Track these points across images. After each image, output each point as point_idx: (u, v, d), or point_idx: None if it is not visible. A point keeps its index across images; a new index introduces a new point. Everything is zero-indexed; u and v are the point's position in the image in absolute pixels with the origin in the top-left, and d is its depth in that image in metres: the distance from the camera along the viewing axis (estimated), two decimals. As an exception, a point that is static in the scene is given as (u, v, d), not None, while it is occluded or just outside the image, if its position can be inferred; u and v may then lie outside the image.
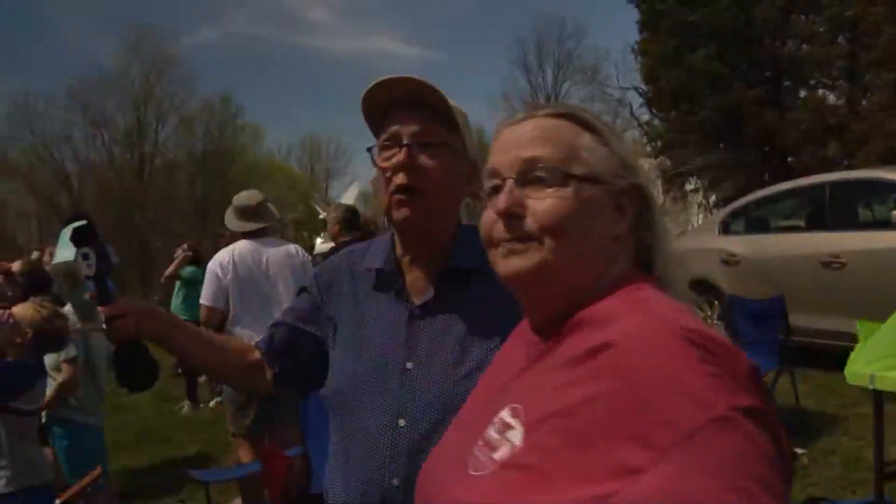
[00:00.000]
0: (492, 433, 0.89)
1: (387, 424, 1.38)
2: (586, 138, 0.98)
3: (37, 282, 4.37)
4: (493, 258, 1.00)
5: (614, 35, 54.69)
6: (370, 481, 1.37)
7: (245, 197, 4.72)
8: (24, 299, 3.74)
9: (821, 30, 21.44)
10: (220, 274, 4.35)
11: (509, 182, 0.97)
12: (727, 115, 21.32)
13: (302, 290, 1.71)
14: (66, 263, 1.40)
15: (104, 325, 1.45)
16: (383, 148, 1.45)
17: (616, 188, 0.96)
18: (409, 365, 1.42)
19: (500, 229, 0.97)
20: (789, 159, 22.21)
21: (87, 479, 2.61)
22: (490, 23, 63.87)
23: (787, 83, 22.71)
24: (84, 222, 1.45)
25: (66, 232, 1.43)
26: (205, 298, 4.37)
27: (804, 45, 21.89)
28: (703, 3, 21.75)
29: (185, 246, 9.37)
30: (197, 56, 53.05)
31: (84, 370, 3.99)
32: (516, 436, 0.84)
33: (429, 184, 1.42)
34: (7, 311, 3.23)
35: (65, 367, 3.89)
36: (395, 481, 1.35)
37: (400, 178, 1.41)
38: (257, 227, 4.58)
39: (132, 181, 32.65)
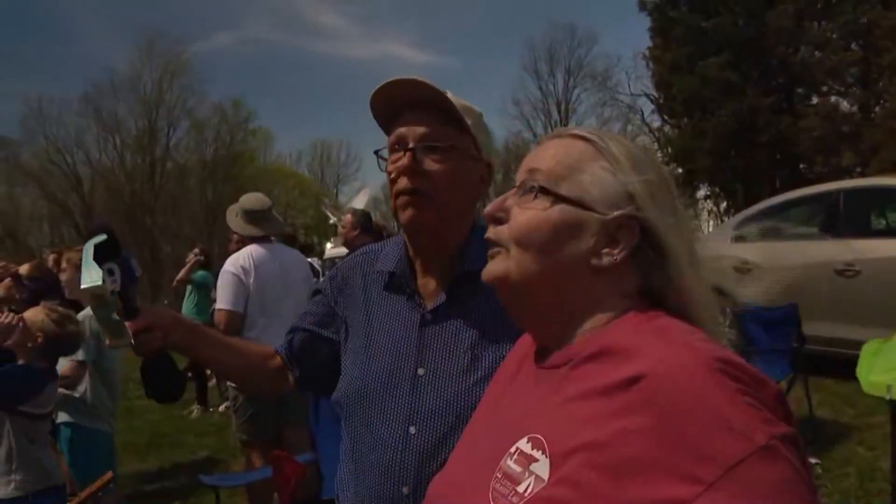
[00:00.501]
0: (511, 465, 0.87)
1: (397, 432, 1.37)
2: (596, 164, 0.96)
3: (46, 286, 4.37)
4: None
5: (625, 42, 54.86)
6: (380, 489, 1.36)
7: (254, 200, 4.66)
8: (33, 303, 3.73)
9: (834, 36, 21.37)
10: (242, 277, 4.28)
11: (513, 189, 1.00)
12: (739, 122, 21.27)
13: (316, 292, 1.70)
14: (94, 287, 1.36)
15: (132, 341, 1.42)
16: (391, 150, 1.44)
17: (607, 218, 0.92)
18: (419, 371, 1.40)
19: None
20: (801, 166, 22.13)
21: (97, 484, 2.60)
22: (502, 29, 63.97)
23: (799, 90, 22.65)
24: (104, 236, 1.42)
25: (89, 249, 1.40)
26: (225, 302, 4.28)
27: (817, 52, 21.82)
28: (715, 10, 21.73)
29: (196, 250, 9.38)
30: (210, 61, 53.40)
31: (96, 376, 3.98)
32: (542, 469, 0.82)
33: (434, 186, 1.40)
34: (18, 316, 3.23)
35: (67, 363, 3.86)
36: (405, 490, 1.33)
37: (403, 182, 1.40)
38: (264, 234, 4.56)
39: (143, 185, 32.88)
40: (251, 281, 4.26)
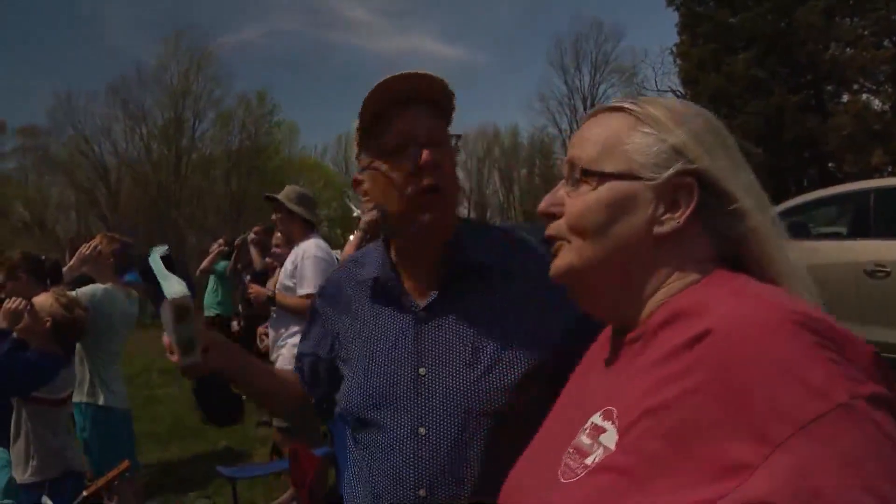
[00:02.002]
0: (583, 439, 0.85)
1: (407, 435, 1.34)
2: (637, 132, 0.92)
3: (48, 273, 4.37)
4: None
5: (652, 37, 54.52)
6: (395, 494, 1.34)
7: (300, 188, 4.72)
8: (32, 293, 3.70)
9: (865, 33, 21.02)
10: (331, 262, 4.26)
11: (561, 183, 0.98)
12: (767, 119, 21.01)
13: (313, 311, 1.65)
14: (182, 297, 1.28)
15: (199, 359, 1.35)
16: (395, 151, 1.37)
17: (658, 181, 0.88)
18: (421, 371, 1.37)
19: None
20: (829, 165, 21.83)
21: (114, 472, 2.60)
22: (529, 24, 63.69)
23: (829, 88, 22.33)
24: (166, 249, 1.38)
25: (157, 260, 1.35)
26: (313, 287, 4.10)
27: (847, 49, 21.48)
28: (743, 6, 21.47)
29: (220, 241, 9.39)
30: (237, 53, 53.59)
31: (95, 350, 3.94)
32: (610, 439, 0.80)
33: (448, 182, 1.39)
34: (26, 301, 3.24)
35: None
36: (422, 492, 1.31)
37: (428, 179, 1.36)
38: (311, 218, 4.59)
39: (169, 176, 33.11)
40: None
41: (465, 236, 1.45)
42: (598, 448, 0.80)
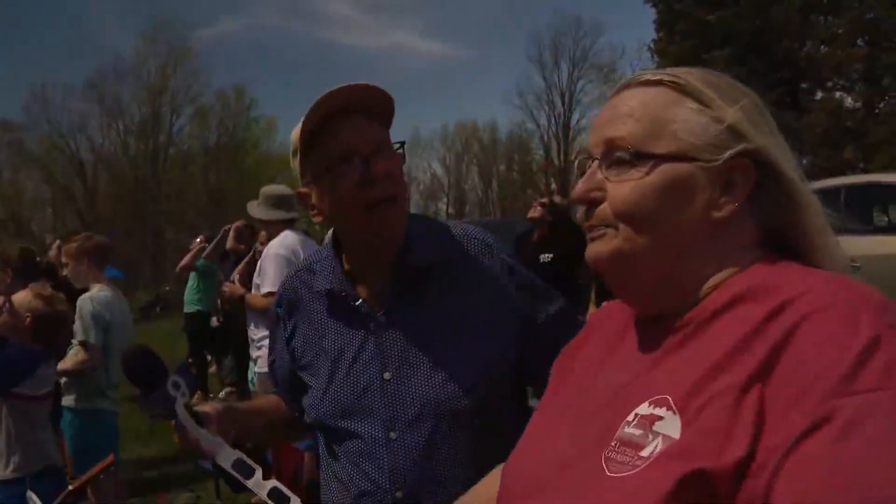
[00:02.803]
0: (629, 431, 0.79)
1: (379, 440, 1.36)
2: (683, 107, 0.86)
3: (33, 270, 4.36)
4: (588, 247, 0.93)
5: (630, 33, 54.60)
6: (374, 499, 1.36)
7: (277, 188, 4.68)
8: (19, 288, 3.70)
9: (840, 32, 21.25)
10: (293, 260, 4.05)
11: (594, 164, 0.90)
12: (743, 116, 21.16)
13: (276, 318, 1.63)
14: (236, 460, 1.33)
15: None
16: (340, 161, 1.35)
17: (717, 163, 0.83)
18: (386, 375, 1.38)
19: (581, 214, 0.92)
20: (804, 161, 22.06)
21: (98, 467, 2.61)
22: (508, 20, 63.74)
23: (804, 85, 22.53)
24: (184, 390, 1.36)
25: (186, 415, 1.36)
26: (274, 285, 3.97)
27: (823, 47, 21.70)
28: (721, 4, 21.60)
29: (201, 237, 9.35)
30: (215, 47, 53.16)
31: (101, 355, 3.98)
32: (670, 426, 0.75)
33: (401, 189, 1.39)
34: (4, 298, 3.24)
35: (79, 350, 3.89)
36: (399, 494, 1.33)
37: (384, 189, 1.34)
38: (291, 217, 4.53)
39: (146, 171, 32.85)
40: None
41: (415, 238, 1.43)
42: (656, 438, 0.75)
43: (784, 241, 0.87)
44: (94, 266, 4.15)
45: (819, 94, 22.46)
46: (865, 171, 16.09)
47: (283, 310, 1.58)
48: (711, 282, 0.85)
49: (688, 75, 0.89)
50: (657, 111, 0.86)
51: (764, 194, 0.85)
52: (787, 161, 0.86)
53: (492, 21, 64.58)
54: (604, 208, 0.88)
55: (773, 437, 0.67)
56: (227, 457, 1.33)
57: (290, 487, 1.34)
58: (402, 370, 1.37)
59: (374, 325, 1.41)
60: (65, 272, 4.34)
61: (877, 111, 20.52)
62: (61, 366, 3.76)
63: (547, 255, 6.42)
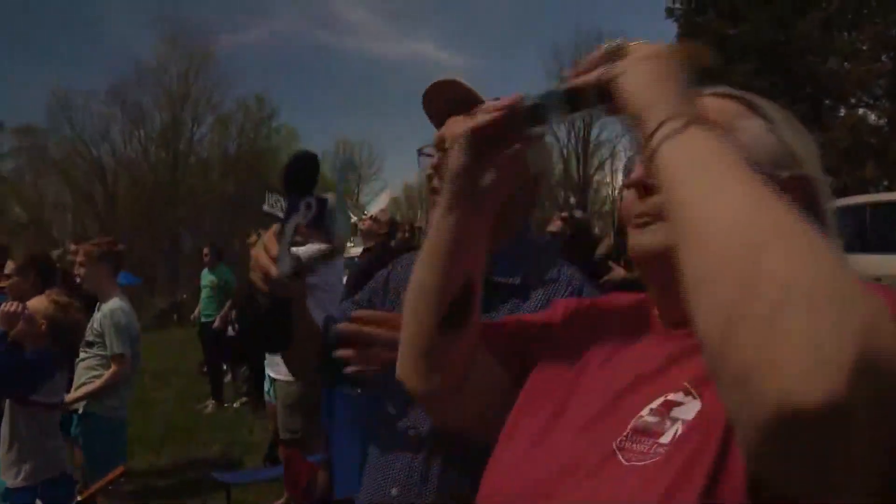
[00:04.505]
0: (647, 420, 0.79)
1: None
2: (752, 121, 0.90)
3: (51, 276, 4.36)
4: (629, 235, 0.93)
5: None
6: (369, 494, 1.39)
7: None
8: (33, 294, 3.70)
9: (864, 47, 21.11)
10: None
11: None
12: (765, 131, 21.07)
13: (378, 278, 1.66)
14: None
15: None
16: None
17: (778, 179, 0.83)
18: None
19: (629, 201, 0.93)
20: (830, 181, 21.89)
21: (108, 478, 2.59)
22: (529, 32, 63.80)
23: (827, 101, 22.39)
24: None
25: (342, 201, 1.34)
26: None
27: (846, 63, 21.55)
28: (743, 17, 21.54)
29: (205, 250, 9.19)
30: (237, 55, 53.40)
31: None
32: (687, 411, 0.76)
33: None
34: (21, 304, 3.23)
35: (113, 363, 3.90)
36: (394, 491, 1.35)
37: None
38: None
39: (166, 178, 33.09)
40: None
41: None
42: (676, 423, 0.76)
43: None
44: (110, 272, 4.16)
45: (842, 111, 22.30)
46: (889, 189, 15.92)
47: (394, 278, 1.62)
48: None
49: (757, 98, 0.94)
50: (728, 119, 0.89)
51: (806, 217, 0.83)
52: (826, 196, 0.91)
53: (512, 33, 64.77)
54: (658, 200, 0.85)
55: None
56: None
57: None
58: None
59: None
60: (76, 272, 4.31)
61: (900, 128, 20.33)
62: (100, 384, 3.79)
63: (565, 269, 6.41)
